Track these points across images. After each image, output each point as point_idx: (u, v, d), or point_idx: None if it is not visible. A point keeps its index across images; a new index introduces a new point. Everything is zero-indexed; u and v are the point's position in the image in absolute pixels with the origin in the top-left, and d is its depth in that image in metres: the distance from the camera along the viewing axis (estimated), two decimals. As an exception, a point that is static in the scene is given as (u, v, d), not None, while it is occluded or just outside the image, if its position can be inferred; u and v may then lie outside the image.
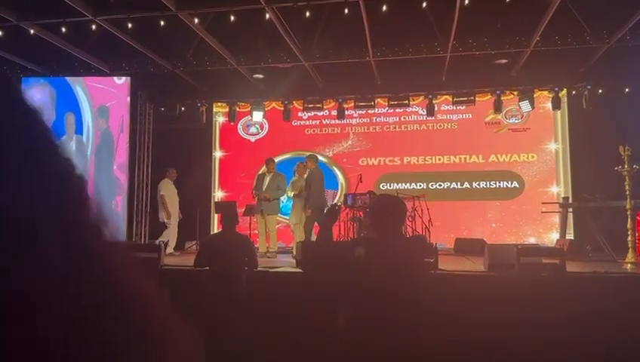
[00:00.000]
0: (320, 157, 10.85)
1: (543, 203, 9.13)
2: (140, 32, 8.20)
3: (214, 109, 11.18)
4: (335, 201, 2.64)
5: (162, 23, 7.54)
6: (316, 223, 7.67)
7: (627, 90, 9.43)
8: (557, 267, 5.00)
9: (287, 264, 5.99)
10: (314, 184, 8.03)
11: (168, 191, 8.99)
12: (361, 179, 9.13)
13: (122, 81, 9.57)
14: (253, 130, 11.24)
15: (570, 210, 8.92)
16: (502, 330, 4.78)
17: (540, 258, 5.16)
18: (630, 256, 5.83)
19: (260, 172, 9.10)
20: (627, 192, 5.95)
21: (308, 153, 10.88)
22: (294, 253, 6.44)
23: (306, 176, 8.38)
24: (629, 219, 6.02)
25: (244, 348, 4.41)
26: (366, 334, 2.34)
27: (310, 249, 4.94)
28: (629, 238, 5.96)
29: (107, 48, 8.99)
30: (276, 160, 10.18)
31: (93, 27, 7.77)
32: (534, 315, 4.81)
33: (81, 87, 9.56)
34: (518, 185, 10.18)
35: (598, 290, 4.87)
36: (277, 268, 5.46)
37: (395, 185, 10.56)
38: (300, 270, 5.08)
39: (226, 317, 4.42)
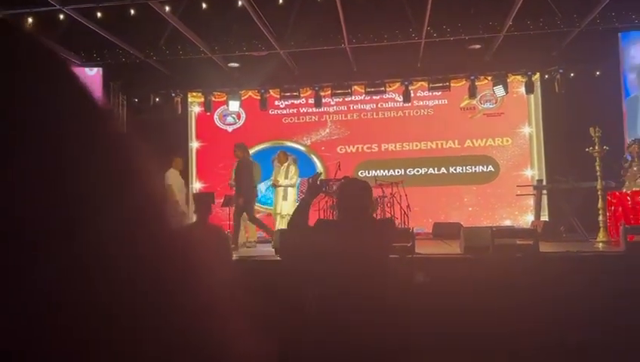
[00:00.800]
0: (298, 146, 10.88)
1: (517, 186, 9.28)
2: (111, 21, 8.04)
3: (189, 99, 11.05)
4: (317, 171, 2.53)
5: (132, 11, 7.39)
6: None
7: (598, 73, 9.60)
8: (531, 248, 5.10)
9: (266, 254, 6.00)
10: (244, 174, 7.71)
11: (176, 181, 8.44)
12: (339, 166, 9.14)
13: (94, 72, 9.39)
14: (229, 119, 11.15)
15: (545, 192, 9.09)
16: (477, 311, 4.86)
17: (514, 239, 5.26)
18: (602, 236, 5.97)
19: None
20: (598, 173, 6.08)
21: (286, 141, 10.90)
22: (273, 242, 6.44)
23: (235, 165, 8.16)
24: (599, 200, 6.15)
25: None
26: (331, 312, 2.36)
27: (288, 236, 4.94)
28: (600, 218, 6.10)
29: (77, 39, 8.79)
30: (254, 149, 10.14)
31: (62, 17, 7.58)
32: (509, 295, 4.91)
33: (52, 79, 9.35)
34: (493, 169, 10.32)
35: (570, 269, 4.98)
36: (255, 257, 5.46)
37: (374, 172, 10.58)
38: (279, 258, 5.09)
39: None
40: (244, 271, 4.99)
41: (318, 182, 2.81)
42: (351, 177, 2.80)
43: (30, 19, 7.56)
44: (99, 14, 7.45)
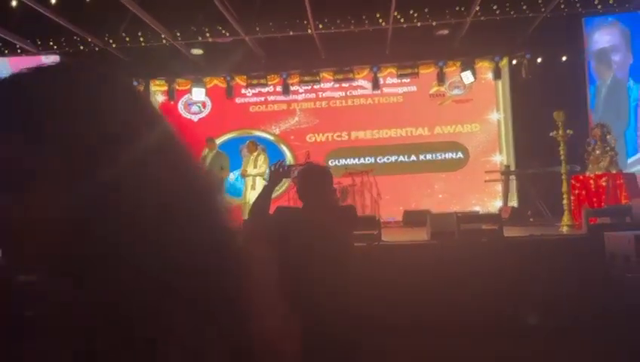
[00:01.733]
0: (267, 135, 10.71)
1: (485, 172, 9.31)
2: (67, 8, 7.72)
3: (152, 88, 10.76)
4: (282, 159, 2.44)
5: (88, -3, 7.10)
6: None
7: (564, 58, 9.66)
8: (495, 233, 5.08)
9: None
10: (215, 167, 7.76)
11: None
12: (308, 156, 9.02)
13: (51, 60, 9.02)
14: (195, 108, 10.90)
15: (513, 177, 9.15)
16: (441, 295, 4.83)
17: (479, 224, 5.23)
18: (566, 219, 5.99)
19: (204, 153, 8.81)
20: (562, 157, 6.09)
21: (254, 131, 10.72)
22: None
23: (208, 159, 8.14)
24: (563, 183, 6.17)
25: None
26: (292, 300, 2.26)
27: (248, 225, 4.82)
28: (564, 201, 6.12)
29: (33, 26, 8.44)
30: (221, 139, 9.95)
31: (14, 3, 7.24)
32: (474, 280, 4.89)
33: (6, 69, 8.97)
34: (462, 156, 10.34)
35: (533, 253, 4.98)
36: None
37: (344, 160, 10.52)
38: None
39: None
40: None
41: (281, 170, 2.70)
42: (313, 163, 2.65)
43: (-22, 5, 7.20)
44: (53, 0, 7.12)
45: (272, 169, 2.64)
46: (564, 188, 6.14)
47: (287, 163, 8.83)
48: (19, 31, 8.66)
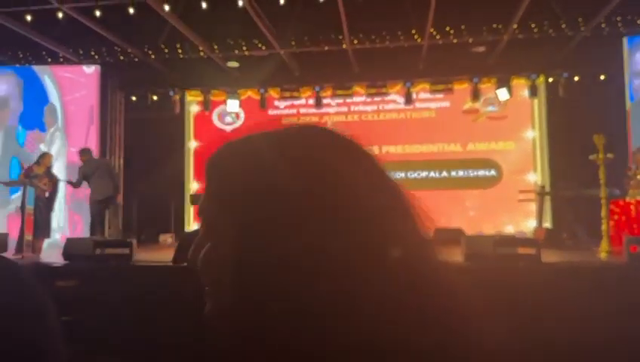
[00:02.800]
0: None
1: (520, 191, 9.16)
2: (110, 19, 7.93)
3: (188, 98, 10.93)
4: None
5: (131, 10, 7.28)
6: None
7: (602, 77, 9.47)
8: (533, 257, 4.98)
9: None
10: None
11: None
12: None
13: (92, 70, 9.29)
14: (228, 119, 11.04)
15: (548, 198, 8.97)
16: (476, 320, 4.75)
17: (516, 248, 5.14)
18: (604, 245, 5.84)
19: None
20: (601, 181, 5.94)
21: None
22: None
23: None
24: (603, 208, 6.02)
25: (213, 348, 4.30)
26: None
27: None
28: (603, 227, 5.96)
29: (76, 36, 8.70)
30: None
31: (60, 15, 7.47)
32: (509, 305, 4.80)
33: (49, 77, 9.26)
34: (495, 174, 10.20)
35: (572, 280, 4.87)
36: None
37: (374, 174, 10.49)
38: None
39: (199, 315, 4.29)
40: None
41: None
42: None
43: (29, 17, 7.44)
44: (97, 13, 7.32)
45: None
46: (604, 212, 5.99)
47: None
48: (62, 40, 8.93)
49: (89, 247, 5.94)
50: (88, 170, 7.88)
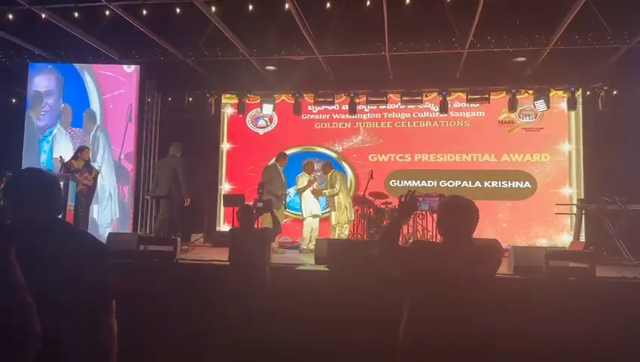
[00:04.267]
0: (329, 152, 10.75)
1: (557, 204, 9.03)
2: (153, 19, 8.00)
3: (223, 101, 10.99)
4: (413, 190, 2.35)
5: (178, 10, 7.34)
6: None
7: (640, 91, 9.32)
8: (585, 271, 4.89)
9: (305, 261, 5.87)
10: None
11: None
12: (372, 175, 9.01)
13: (132, 69, 9.37)
14: (262, 122, 11.07)
15: (584, 212, 8.82)
16: (524, 333, 4.67)
17: (568, 261, 5.05)
18: (654, 261, 5.73)
19: (278, 166, 8.85)
20: (653, 196, 5.84)
21: (317, 147, 10.78)
22: (312, 248, 6.30)
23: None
24: (654, 223, 5.91)
25: (264, 345, 4.29)
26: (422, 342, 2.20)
27: (338, 247, 4.81)
28: (654, 242, 5.85)
29: (118, 35, 8.79)
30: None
31: (107, 13, 7.56)
32: (560, 319, 4.71)
33: (90, 75, 9.36)
34: (530, 186, 10.07)
35: (627, 296, 4.77)
36: (300, 265, 5.33)
37: (405, 182, 10.44)
38: (326, 268, 4.94)
39: (249, 312, 4.28)
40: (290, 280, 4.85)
41: (412, 201, 2.54)
42: (457, 196, 2.46)
43: (76, 14, 7.54)
44: (144, 12, 7.40)
45: (404, 201, 2.57)
46: (655, 228, 5.86)
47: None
48: (103, 38, 9.03)
49: (133, 243, 5.98)
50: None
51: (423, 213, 8.58)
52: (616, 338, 4.57)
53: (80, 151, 8.14)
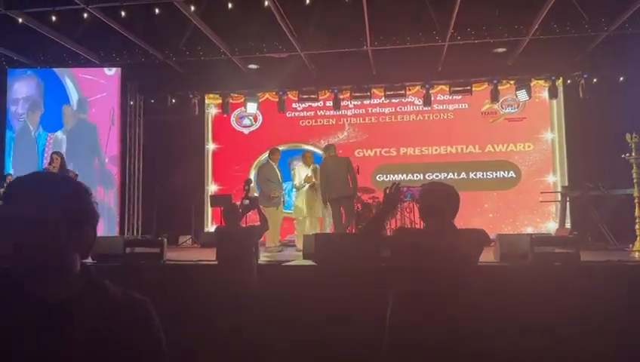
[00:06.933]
0: (315, 149, 10.73)
1: (542, 192, 9.12)
2: (132, 20, 7.94)
3: (206, 101, 10.93)
4: (397, 182, 2.35)
5: (157, 10, 7.29)
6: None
7: (622, 78, 9.45)
8: (571, 256, 4.95)
9: (298, 257, 5.87)
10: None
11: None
12: (358, 170, 9.00)
13: (112, 72, 9.29)
14: (246, 121, 11.03)
15: (568, 199, 8.93)
16: (512, 320, 4.71)
17: (553, 247, 5.11)
18: (638, 245, 5.81)
19: (272, 163, 8.42)
20: (634, 180, 5.92)
21: (304, 144, 10.75)
22: (301, 245, 6.28)
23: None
24: (636, 207, 5.99)
25: (254, 344, 4.29)
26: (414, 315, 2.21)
27: (325, 241, 4.81)
28: (637, 226, 5.93)
29: (97, 38, 8.71)
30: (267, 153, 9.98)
31: (85, 16, 7.48)
32: (548, 305, 4.75)
33: (70, 79, 9.26)
34: (514, 175, 10.16)
35: (613, 279, 4.83)
36: (289, 261, 5.32)
37: (392, 176, 10.48)
38: (313, 263, 4.94)
39: (235, 311, 4.27)
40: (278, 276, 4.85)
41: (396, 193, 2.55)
42: (438, 182, 2.48)
43: (54, 18, 7.45)
44: (123, 13, 7.33)
45: (388, 192, 2.59)
46: (637, 212, 5.95)
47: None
48: (83, 42, 8.94)
49: (119, 246, 5.93)
50: None
51: (410, 206, 8.62)
52: (603, 320, 4.63)
53: (50, 158, 7.96)
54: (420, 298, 2.25)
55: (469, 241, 2.41)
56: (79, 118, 9.14)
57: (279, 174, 8.18)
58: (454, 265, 2.30)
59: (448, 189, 2.45)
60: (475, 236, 2.44)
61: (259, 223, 5.03)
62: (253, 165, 10.76)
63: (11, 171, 8.77)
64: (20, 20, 7.43)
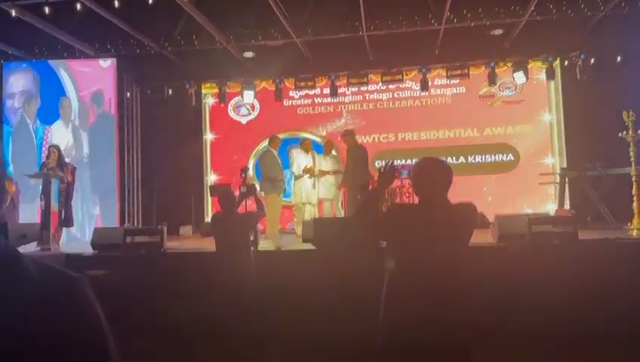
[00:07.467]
0: (314, 137, 10.72)
1: (540, 173, 9.12)
2: (126, 11, 7.89)
3: (203, 91, 10.90)
4: (392, 161, 2.33)
5: (151, 0, 7.24)
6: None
7: (619, 58, 9.40)
8: (569, 235, 4.97)
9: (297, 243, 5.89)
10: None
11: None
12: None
13: (108, 63, 9.26)
14: (243, 110, 11.01)
15: (566, 180, 8.94)
16: (511, 301, 4.74)
17: (551, 226, 5.12)
18: (636, 223, 5.83)
19: (273, 151, 8.27)
20: (632, 158, 5.92)
21: (302, 132, 10.73)
22: (300, 231, 6.31)
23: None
24: (634, 186, 6.00)
25: (253, 330, 4.32)
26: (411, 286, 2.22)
27: (324, 225, 4.83)
28: (635, 204, 5.95)
29: (91, 30, 8.66)
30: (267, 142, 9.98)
31: (78, 7, 7.44)
32: (547, 284, 4.78)
33: (66, 71, 9.24)
34: (513, 158, 10.16)
35: (611, 257, 4.85)
36: (287, 246, 5.35)
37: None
38: (313, 247, 4.96)
39: (234, 297, 4.29)
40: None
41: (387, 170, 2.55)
42: (432, 157, 2.46)
43: (47, 9, 7.41)
44: (116, 3, 7.29)
45: (382, 171, 2.60)
46: (635, 190, 5.96)
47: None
48: (77, 34, 8.90)
49: (119, 236, 5.95)
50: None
51: (409, 191, 8.62)
52: (602, 298, 4.65)
53: (49, 151, 7.96)
54: (413, 273, 2.26)
55: (461, 214, 2.42)
56: (98, 112, 9.16)
57: (279, 162, 8.18)
58: (447, 238, 2.31)
59: (440, 163, 2.46)
60: (468, 210, 2.45)
61: (256, 210, 5.05)
62: (252, 154, 10.76)
63: (10, 167, 8.77)
64: (13, 13, 7.39)
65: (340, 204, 8.09)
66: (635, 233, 5.78)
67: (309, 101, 10.90)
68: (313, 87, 10.45)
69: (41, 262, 0.74)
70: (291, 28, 8.63)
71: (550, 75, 9.80)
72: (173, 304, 5.10)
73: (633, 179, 6.01)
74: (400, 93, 10.65)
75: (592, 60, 9.57)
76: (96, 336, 0.72)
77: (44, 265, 0.73)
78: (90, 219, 8.96)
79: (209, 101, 11.04)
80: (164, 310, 5.09)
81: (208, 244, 5.79)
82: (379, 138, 10.68)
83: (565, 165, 9.62)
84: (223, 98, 10.58)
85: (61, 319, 0.69)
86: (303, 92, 10.75)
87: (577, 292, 4.56)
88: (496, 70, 9.95)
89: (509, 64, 9.89)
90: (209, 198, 10.34)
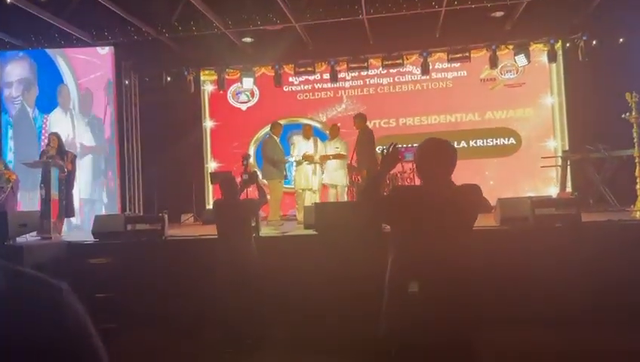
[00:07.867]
0: (314, 123, 10.65)
1: (542, 157, 9.07)
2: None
3: (202, 77, 10.82)
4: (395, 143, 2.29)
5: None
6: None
7: (621, 40, 9.30)
8: (572, 217, 4.93)
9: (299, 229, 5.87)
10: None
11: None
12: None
13: (106, 51, 9.18)
14: (243, 97, 10.93)
15: (568, 162, 8.89)
16: (514, 284, 4.73)
17: (554, 209, 5.09)
18: (639, 205, 5.79)
19: (275, 137, 8.19)
20: (635, 140, 5.87)
21: (302, 118, 10.68)
22: (302, 217, 6.28)
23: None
24: (637, 168, 5.96)
25: (255, 315, 4.32)
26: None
27: (325, 210, 4.80)
28: (638, 186, 5.91)
29: (88, 16, 8.58)
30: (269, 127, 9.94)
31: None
32: (550, 266, 4.76)
33: (63, 59, 9.16)
34: (514, 142, 10.11)
35: (615, 238, 4.82)
36: (288, 232, 5.33)
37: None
38: (314, 232, 4.94)
39: (235, 283, 4.28)
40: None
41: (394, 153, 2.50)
42: (435, 138, 2.40)
43: (42, -4, 7.33)
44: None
45: (385, 153, 2.55)
46: (638, 172, 5.92)
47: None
48: (74, 22, 8.80)
49: (120, 224, 5.94)
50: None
51: (410, 176, 8.58)
52: (606, 279, 4.64)
53: (48, 139, 7.91)
54: (417, 254, 2.23)
55: (466, 195, 2.37)
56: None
57: (281, 147, 8.17)
58: (452, 218, 2.27)
59: (445, 143, 2.41)
60: (472, 191, 2.40)
61: (257, 197, 5.03)
62: (253, 141, 10.71)
63: (9, 156, 8.72)
64: (8, 0, 7.29)
65: (346, 190, 7.96)
66: (638, 215, 5.75)
67: (309, 87, 10.83)
68: (313, 72, 10.37)
69: (20, 270, 0.67)
70: (290, 12, 8.53)
71: (552, 57, 9.70)
72: (175, 291, 5.10)
73: (636, 161, 5.96)
74: (401, 77, 10.56)
75: (594, 42, 9.46)
76: (84, 346, 0.67)
77: (26, 272, 0.68)
78: (90, 208, 8.94)
79: (208, 88, 10.96)
80: (166, 297, 5.09)
81: (210, 231, 5.76)
82: (380, 123, 10.61)
83: (567, 148, 9.57)
84: (222, 85, 10.50)
85: (44, 332, 0.63)
86: (303, 77, 10.67)
87: (580, 275, 4.54)
88: (498, 53, 9.85)
89: (511, 47, 9.79)
90: (210, 186, 10.31)
